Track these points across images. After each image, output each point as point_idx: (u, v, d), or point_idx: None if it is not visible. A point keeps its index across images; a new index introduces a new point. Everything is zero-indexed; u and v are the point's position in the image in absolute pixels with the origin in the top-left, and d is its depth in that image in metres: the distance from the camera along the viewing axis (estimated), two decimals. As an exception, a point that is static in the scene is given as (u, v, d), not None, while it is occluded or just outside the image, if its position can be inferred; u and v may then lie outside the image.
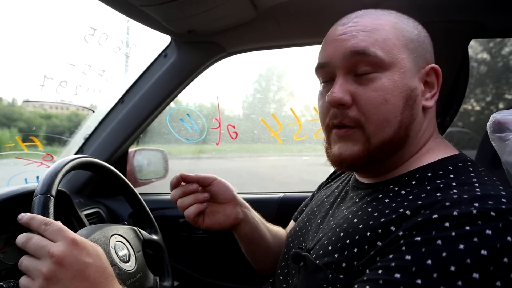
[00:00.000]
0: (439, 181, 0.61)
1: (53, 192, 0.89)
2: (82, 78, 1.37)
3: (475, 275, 0.46)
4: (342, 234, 0.65)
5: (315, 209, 0.88)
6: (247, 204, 1.00)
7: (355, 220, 0.65)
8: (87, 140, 1.51)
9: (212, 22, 1.14)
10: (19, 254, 1.07)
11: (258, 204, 1.47)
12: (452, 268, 0.48)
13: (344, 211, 0.73)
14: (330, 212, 0.80)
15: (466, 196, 0.54)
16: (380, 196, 0.67)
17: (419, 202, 0.58)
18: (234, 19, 1.15)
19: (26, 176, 1.45)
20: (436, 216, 0.53)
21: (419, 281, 0.49)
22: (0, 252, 1.04)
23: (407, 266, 0.51)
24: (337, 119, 0.69)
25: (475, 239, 0.49)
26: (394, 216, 0.58)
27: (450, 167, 0.64)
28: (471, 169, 0.63)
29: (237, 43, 1.31)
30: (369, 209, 0.65)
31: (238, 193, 1.50)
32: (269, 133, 1.62)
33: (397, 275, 0.51)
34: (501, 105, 2.86)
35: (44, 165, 1.46)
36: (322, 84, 0.74)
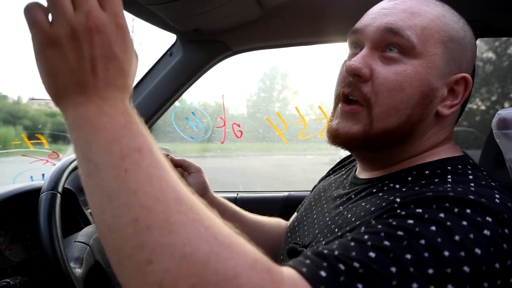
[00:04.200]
0: (435, 179, 0.59)
1: (60, 189, 0.90)
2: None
3: (477, 250, 0.44)
4: (336, 229, 0.64)
5: (312, 203, 0.86)
6: (221, 202, 0.99)
7: (349, 216, 0.63)
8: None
9: (217, 20, 1.14)
10: (24, 251, 1.09)
11: (263, 203, 1.48)
12: (457, 238, 0.44)
13: (340, 207, 0.71)
14: (326, 206, 0.78)
15: (460, 189, 0.52)
16: (374, 190, 0.65)
17: (410, 192, 0.57)
18: (240, 18, 1.15)
19: (31, 173, 1.46)
20: (430, 194, 0.51)
21: (422, 242, 0.44)
22: (6, 249, 1.05)
23: (409, 228, 0.46)
24: (349, 89, 0.66)
25: (479, 218, 0.47)
26: (384, 204, 0.56)
27: (449, 168, 0.62)
28: (470, 172, 0.60)
29: (243, 42, 1.31)
30: (363, 204, 0.63)
31: (242, 191, 1.52)
32: (274, 132, 1.62)
33: (400, 233, 0.46)
34: (506, 104, 2.84)
35: (50, 162, 1.47)
36: (349, 53, 0.72)
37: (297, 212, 1.01)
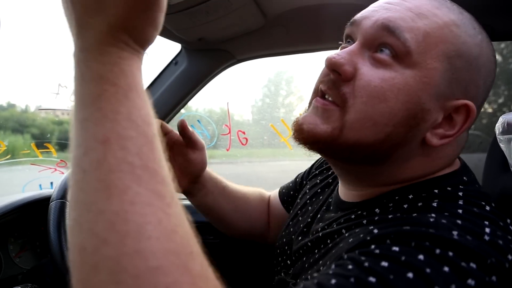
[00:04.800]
0: (419, 203, 0.51)
1: (69, 197, 0.92)
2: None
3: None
4: (320, 261, 0.58)
5: (299, 218, 0.79)
6: (214, 177, 0.93)
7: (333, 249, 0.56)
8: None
9: (221, 30, 1.16)
10: (34, 259, 1.10)
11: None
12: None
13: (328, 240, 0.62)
14: (312, 227, 0.70)
15: (444, 222, 0.44)
16: (353, 217, 0.58)
17: (390, 220, 0.50)
18: (243, 27, 1.16)
19: (40, 182, 1.48)
20: (408, 228, 0.44)
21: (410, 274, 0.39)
22: (16, 256, 1.07)
23: (382, 273, 0.40)
24: (325, 86, 0.57)
25: (463, 264, 0.40)
26: (362, 236, 0.48)
27: (436, 191, 0.53)
28: (461, 194, 0.52)
29: (246, 50, 1.32)
30: (345, 234, 0.56)
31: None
32: (278, 138, 1.63)
33: (372, 279, 0.40)
34: (513, 108, 2.82)
35: (58, 171, 1.49)
36: (341, 46, 0.63)
37: (279, 195, 1.00)
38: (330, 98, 0.57)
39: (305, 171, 0.97)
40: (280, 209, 0.98)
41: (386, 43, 0.53)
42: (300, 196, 0.89)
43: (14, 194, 1.10)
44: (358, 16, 0.59)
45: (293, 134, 0.61)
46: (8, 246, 1.05)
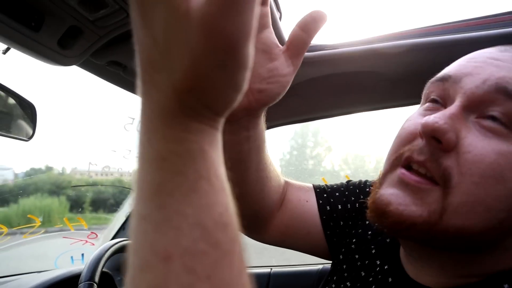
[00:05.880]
0: None
1: (96, 279, 0.95)
2: (123, 162, 1.48)
3: None
4: None
5: (347, 283, 0.64)
6: (260, 131, 0.60)
7: None
8: (128, 218, 1.59)
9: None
10: None
11: (297, 278, 1.43)
12: None
13: None
14: None
15: None
16: None
17: None
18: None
19: (72, 254, 1.53)
20: None
21: None
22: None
23: None
24: (422, 156, 0.45)
25: None
26: None
27: None
28: None
29: (267, 121, 1.36)
30: None
31: (276, 265, 1.48)
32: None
33: None
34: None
35: (89, 243, 1.54)
36: (424, 106, 0.52)
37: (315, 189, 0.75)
38: (423, 172, 0.46)
39: (359, 201, 0.71)
40: (302, 206, 0.72)
41: (501, 108, 0.43)
42: (343, 247, 0.70)
43: (46, 271, 1.14)
44: (455, 71, 0.48)
45: (373, 214, 0.48)
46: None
